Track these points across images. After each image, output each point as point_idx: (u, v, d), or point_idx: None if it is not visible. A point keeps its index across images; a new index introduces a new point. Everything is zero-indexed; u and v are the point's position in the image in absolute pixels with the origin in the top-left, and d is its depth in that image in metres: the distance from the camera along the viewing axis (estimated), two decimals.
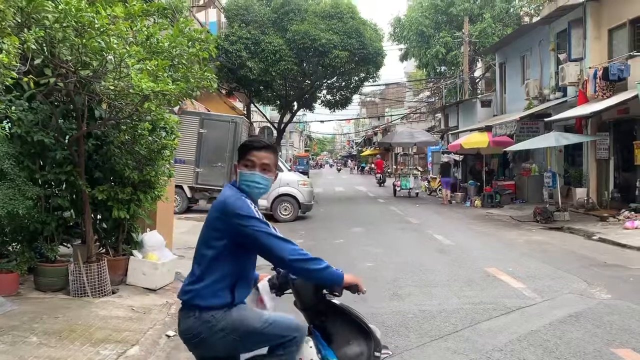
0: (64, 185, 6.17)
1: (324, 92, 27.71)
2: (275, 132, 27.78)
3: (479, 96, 26.01)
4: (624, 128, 14.57)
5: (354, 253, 9.65)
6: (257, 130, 29.48)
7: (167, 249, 7.04)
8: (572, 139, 14.80)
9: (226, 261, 2.52)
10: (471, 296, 6.47)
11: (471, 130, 22.19)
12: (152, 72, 5.02)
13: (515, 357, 4.48)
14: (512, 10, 28.30)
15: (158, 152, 6.53)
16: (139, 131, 6.32)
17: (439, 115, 33.75)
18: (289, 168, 18.68)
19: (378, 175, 35.09)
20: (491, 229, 12.94)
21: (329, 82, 26.19)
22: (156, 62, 5.06)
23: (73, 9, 4.38)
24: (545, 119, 16.34)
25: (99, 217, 6.57)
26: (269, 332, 2.56)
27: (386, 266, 8.38)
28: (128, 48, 4.90)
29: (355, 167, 65.00)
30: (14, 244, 6.18)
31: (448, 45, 28.64)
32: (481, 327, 5.29)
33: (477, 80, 30.99)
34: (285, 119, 28.14)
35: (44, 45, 4.56)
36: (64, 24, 4.43)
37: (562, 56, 16.68)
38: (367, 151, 62.24)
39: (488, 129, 19.36)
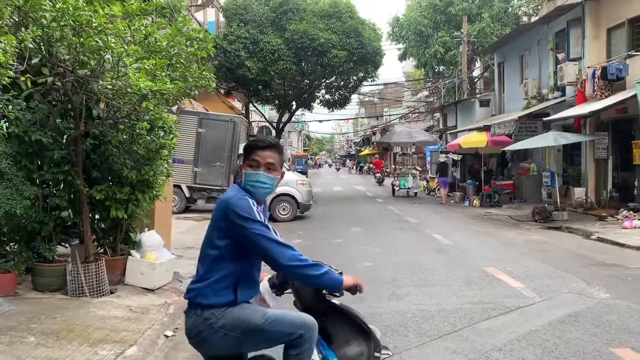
0: (62, 185, 6.15)
1: (323, 91, 27.72)
2: (273, 132, 27.78)
3: (478, 96, 26.04)
4: (623, 127, 14.59)
5: (353, 253, 9.64)
6: (255, 130, 29.48)
7: (165, 248, 7.02)
8: (570, 138, 14.81)
9: (229, 260, 2.51)
10: (470, 296, 6.46)
11: (470, 130, 22.21)
12: (150, 72, 5.00)
13: (514, 356, 4.47)
14: (510, 9, 28.33)
15: (156, 151, 6.51)
16: (137, 131, 6.29)
17: (437, 114, 33.77)
18: (288, 168, 18.68)
19: (377, 174, 35.12)
20: (490, 229, 12.94)
21: (327, 81, 26.20)
22: (154, 62, 5.04)
23: (70, 8, 4.36)
24: (544, 119, 16.34)
25: (96, 216, 6.55)
26: (271, 328, 2.52)
27: (385, 266, 8.37)
28: (126, 47, 4.89)
29: (354, 167, 65.03)
30: (11, 244, 6.16)
31: (447, 44, 28.66)
32: (480, 326, 5.28)
33: (475, 80, 31.01)
34: (284, 119, 28.15)
35: (42, 44, 4.54)
36: (62, 23, 4.41)
37: (560, 56, 16.69)
38: (366, 151, 62.26)
39: (487, 128, 19.36)
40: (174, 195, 12.55)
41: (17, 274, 5.82)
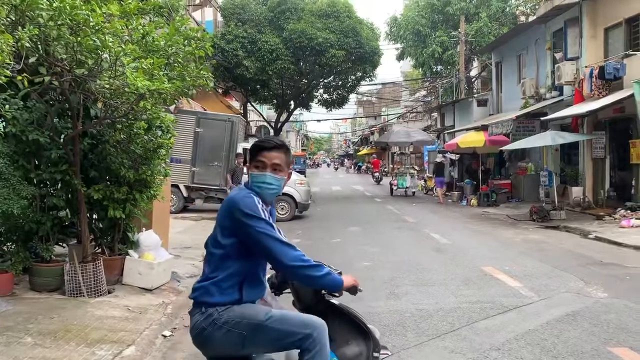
0: (59, 185, 6.12)
1: (321, 91, 27.74)
2: (272, 131, 27.77)
3: (475, 95, 26.07)
4: (620, 127, 14.62)
5: (351, 252, 9.63)
6: (253, 130, 29.46)
7: (163, 248, 7.01)
8: (568, 137, 14.83)
9: (235, 259, 2.50)
10: (468, 295, 6.46)
11: (467, 130, 22.23)
12: (147, 71, 4.98)
13: (512, 356, 4.47)
14: (508, 9, 28.37)
15: (154, 151, 6.49)
16: (135, 130, 6.28)
17: (435, 114, 33.80)
18: None
19: (375, 174, 35.13)
20: (488, 228, 12.95)
21: (325, 81, 26.22)
22: (152, 61, 5.03)
23: (68, 7, 4.34)
24: (542, 118, 16.38)
25: (94, 216, 6.53)
26: (274, 326, 2.48)
27: (383, 265, 8.37)
28: (123, 46, 4.87)
29: (352, 166, 65.05)
30: (8, 244, 6.13)
31: (444, 44, 28.70)
32: (478, 326, 5.28)
33: (473, 80, 31.05)
34: (282, 118, 28.16)
35: (39, 43, 4.52)
36: (59, 22, 4.40)
37: (558, 55, 16.72)
38: (364, 150, 62.28)
39: (484, 128, 19.39)
40: (172, 195, 12.52)
41: (15, 274, 5.80)
